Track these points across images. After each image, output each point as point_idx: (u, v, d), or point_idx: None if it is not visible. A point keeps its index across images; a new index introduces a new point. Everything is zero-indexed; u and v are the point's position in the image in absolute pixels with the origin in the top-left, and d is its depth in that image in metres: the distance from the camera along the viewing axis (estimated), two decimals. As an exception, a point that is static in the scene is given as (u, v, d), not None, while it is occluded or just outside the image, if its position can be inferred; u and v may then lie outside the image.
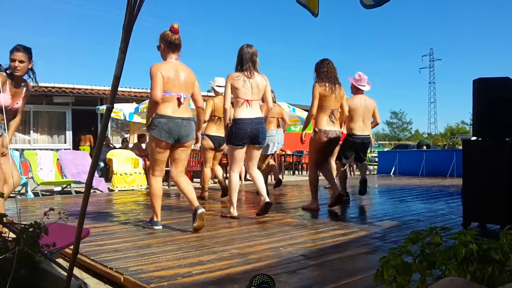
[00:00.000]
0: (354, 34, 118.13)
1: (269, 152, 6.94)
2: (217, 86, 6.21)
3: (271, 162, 7.40)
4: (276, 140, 6.92)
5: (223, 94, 4.47)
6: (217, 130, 6.08)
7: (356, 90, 5.82)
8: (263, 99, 4.62)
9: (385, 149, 24.71)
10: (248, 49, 4.42)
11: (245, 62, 4.38)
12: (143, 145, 10.95)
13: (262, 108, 4.74)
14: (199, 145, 4.36)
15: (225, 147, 6.06)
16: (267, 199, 4.50)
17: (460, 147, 9.67)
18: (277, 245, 3.28)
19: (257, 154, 4.65)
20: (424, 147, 17.14)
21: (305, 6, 3.14)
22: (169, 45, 3.83)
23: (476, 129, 3.99)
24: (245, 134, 4.36)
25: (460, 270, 1.44)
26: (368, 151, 22.03)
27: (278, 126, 6.98)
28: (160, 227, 3.92)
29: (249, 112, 4.38)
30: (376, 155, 16.90)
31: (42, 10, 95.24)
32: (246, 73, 4.36)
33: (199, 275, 2.49)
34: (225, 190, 6.07)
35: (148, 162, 9.82)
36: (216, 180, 7.14)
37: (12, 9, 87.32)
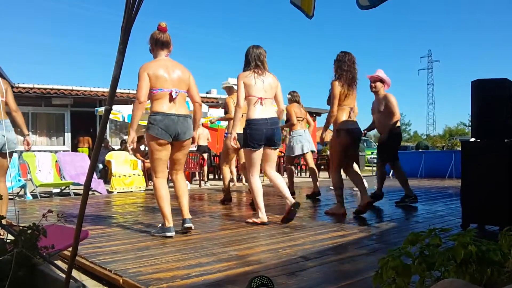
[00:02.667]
0: (351, 35, 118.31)
1: (297, 153, 6.89)
2: (235, 84, 6.13)
3: (313, 168, 7.11)
4: (304, 139, 6.86)
5: (237, 94, 4.31)
6: (241, 128, 5.91)
7: (381, 87, 5.73)
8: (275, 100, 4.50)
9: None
10: (255, 50, 4.34)
11: (252, 60, 4.29)
12: (142, 147, 10.94)
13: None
14: (195, 144, 4.15)
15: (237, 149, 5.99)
16: (292, 200, 4.30)
17: (459, 149, 9.69)
18: (276, 247, 3.28)
19: (274, 155, 4.48)
20: (420, 149, 17.22)
21: (299, 8, 3.14)
22: (156, 43, 3.77)
23: (475, 130, 4.00)
24: (262, 135, 4.22)
25: (459, 271, 1.44)
26: (369, 152, 21.84)
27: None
28: (173, 233, 3.65)
29: (263, 111, 4.25)
30: (375, 156, 16.90)
31: (40, 10, 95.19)
32: (256, 70, 4.27)
33: (198, 277, 2.48)
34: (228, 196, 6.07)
35: (147, 164, 9.89)
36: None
37: (10, 9, 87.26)
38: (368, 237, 3.73)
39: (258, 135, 4.21)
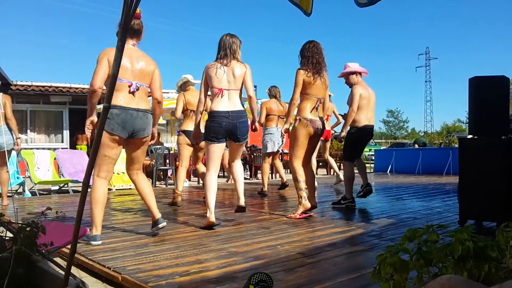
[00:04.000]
0: (348, 33, 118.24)
1: (269, 151, 6.90)
2: (192, 79, 5.90)
3: (277, 163, 7.26)
4: (275, 138, 6.82)
5: (200, 85, 4.07)
6: (191, 125, 5.57)
7: (356, 79, 5.41)
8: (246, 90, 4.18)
9: (382, 148, 24.77)
10: (227, 38, 4.07)
11: (221, 49, 4.03)
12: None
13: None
14: (155, 141, 3.70)
15: (204, 143, 5.86)
16: (242, 203, 4.20)
17: (456, 145, 9.73)
18: (275, 243, 3.29)
19: (236, 149, 4.22)
20: (416, 146, 17.27)
21: (297, 5, 3.14)
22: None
23: (472, 127, 4.01)
24: (220, 128, 3.93)
25: (456, 267, 1.45)
26: (367, 149, 21.85)
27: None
28: (100, 242, 3.27)
29: (225, 104, 3.96)
30: (373, 153, 16.95)
31: (39, 8, 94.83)
32: (221, 60, 4.01)
33: (197, 274, 2.49)
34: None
35: (145, 162, 9.88)
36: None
37: (10, 7, 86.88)
38: (366, 233, 3.74)
39: (215, 127, 3.94)
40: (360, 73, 5.48)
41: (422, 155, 12.96)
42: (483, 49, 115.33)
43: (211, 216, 3.87)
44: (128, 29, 3.41)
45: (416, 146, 18.10)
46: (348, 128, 5.34)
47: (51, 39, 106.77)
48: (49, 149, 9.76)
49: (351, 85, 5.46)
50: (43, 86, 13.91)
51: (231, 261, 2.79)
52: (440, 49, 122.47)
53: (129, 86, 3.35)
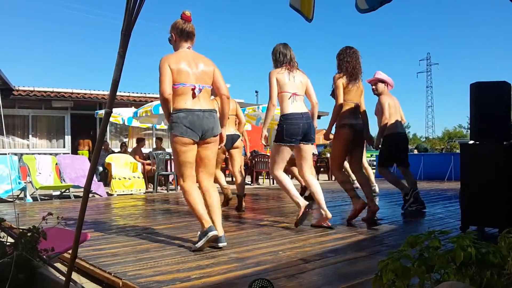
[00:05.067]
0: (349, 38, 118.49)
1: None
2: None
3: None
4: None
5: (270, 91, 4.18)
6: (227, 128, 5.48)
7: (383, 88, 5.64)
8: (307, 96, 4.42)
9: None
10: (284, 46, 4.31)
11: (283, 57, 4.25)
12: (142, 150, 10.96)
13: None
14: (223, 144, 3.73)
15: (238, 144, 5.74)
16: (330, 215, 4.15)
17: (458, 151, 9.70)
18: (276, 249, 3.28)
19: (309, 152, 4.33)
20: (415, 151, 17.28)
21: (298, 11, 3.16)
22: (181, 34, 3.49)
23: (473, 133, 4.00)
24: (299, 129, 4.10)
25: (458, 274, 1.45)
26: (369, 155, 21.79)
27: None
28: (216, 232, 3.23)
29: (297, 106, 4.17)
30: (374, 158, 16.93)
31: (41, 14, 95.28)
32: (288, 67, 4.23)
33: (198, 280, 2.48)
34: (229, 199, 5.75)
35: (147, 167, 9.90)
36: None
37: (11, 11, 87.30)
38: (367, 239, 3.73)
39: (295, 129, 4.10)
40: (387, 84, 5.69)
41: (423, 161, 12.94)
42: (484, 54, 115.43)
43: (302, 202, 4.18)
44: (183, 33, 3.48)
45: (416, 151, 18.09)
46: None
47: (53, 45, 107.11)
48: (50, 154, 9.78)
49: (376, 91, 5.67)
50: (45, 92, 13.92)
51: (232, 267, 2.78)
52: (441, 55, 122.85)
53: (193, 89, 3.35)
